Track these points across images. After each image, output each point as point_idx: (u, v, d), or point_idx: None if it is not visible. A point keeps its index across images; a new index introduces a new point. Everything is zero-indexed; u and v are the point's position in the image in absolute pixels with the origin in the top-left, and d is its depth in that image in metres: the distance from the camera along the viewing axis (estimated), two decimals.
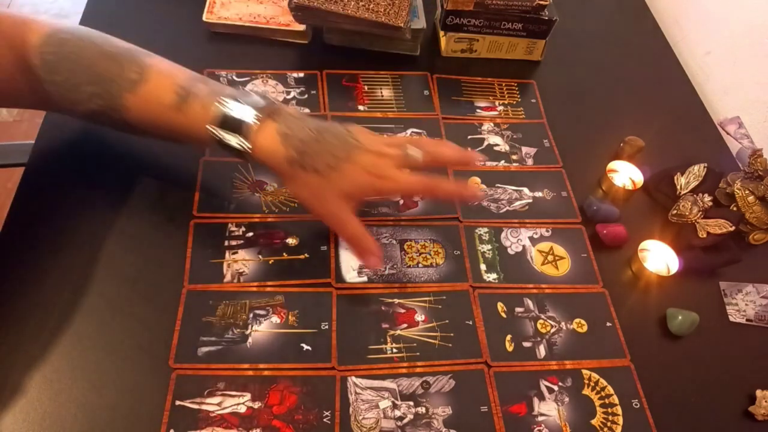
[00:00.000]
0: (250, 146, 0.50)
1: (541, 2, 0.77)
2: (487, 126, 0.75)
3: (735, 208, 0.68)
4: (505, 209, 0.67)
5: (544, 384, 0.54)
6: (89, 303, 0.54)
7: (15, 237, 0.57)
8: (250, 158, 0.51)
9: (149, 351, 0.52)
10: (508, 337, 0.57)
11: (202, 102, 0.51)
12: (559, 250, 0.64)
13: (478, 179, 0.69)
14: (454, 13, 0.78)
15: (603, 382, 0.55)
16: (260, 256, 0.59)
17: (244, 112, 0.50)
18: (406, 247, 0.62)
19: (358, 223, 0.53)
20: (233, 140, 0.50)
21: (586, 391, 0.55)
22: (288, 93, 0.74)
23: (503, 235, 0.65)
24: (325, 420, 0.50)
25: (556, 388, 0.54)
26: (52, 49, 0.52)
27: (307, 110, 0.72)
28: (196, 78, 0.54)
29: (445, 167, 0.57)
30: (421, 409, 0.52)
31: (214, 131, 0.50)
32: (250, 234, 0.60)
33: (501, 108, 0.78)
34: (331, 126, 0.53)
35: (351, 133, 0.52)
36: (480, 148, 0.72)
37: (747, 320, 0.63)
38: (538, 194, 0.69)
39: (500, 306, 0.59)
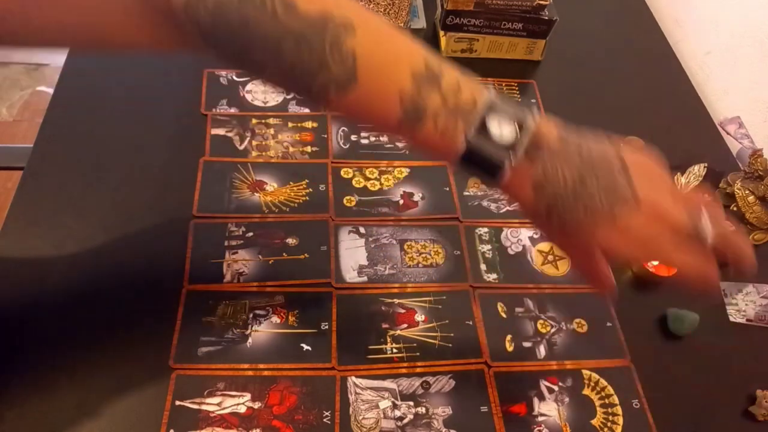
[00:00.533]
0: (500, 186, 0.40)
1: (541, 2, 0.77)
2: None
3: (735, 208, 0.68)
4: (505, 209, 0.67)
5: (544, 384, 0.54)
6: (89, 303, 0.54)
7: (15, 237, 0.57)
8: (497, 187, 0.41)
9: (149, 351, 0.52)
10: (508, 337, 0.57)
11: (439, 127, 0.39)
12: (559, 250, 0.64)
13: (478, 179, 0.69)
14: (454, 13, 0.78)
15: (603, 382, 0.55)
16: (260, 256, 0.59)
17: (496, 154, 0.38)
18: (406, 247, 0.62)
19: (601, 264, 0.43)
20: (485, 176, 0.40)
21: (586, 391, 0.55)
22: (288, 93, 0.74)
23: (503, 235, 0.65)
24: (325, 420, 0.50)
25: (556, 388, 0.54)
26: (206, 15, 0.37)
27: (307, 110, 0.72)
28: (422, 75, 0.39)
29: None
30: (421, 409, 0.52)
31: (461, 168, 0.40)
32: (250, 234, 0.60)
33: None
34: (601, 163, 0.39)
35: (627, 178, 0.39)
36: None
37: (747, 320, 0.63)
38: None
39: (500, 306, 0.59)
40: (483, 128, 0.38)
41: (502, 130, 0.38)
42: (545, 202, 0.39)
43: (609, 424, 0.53)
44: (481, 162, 0.39)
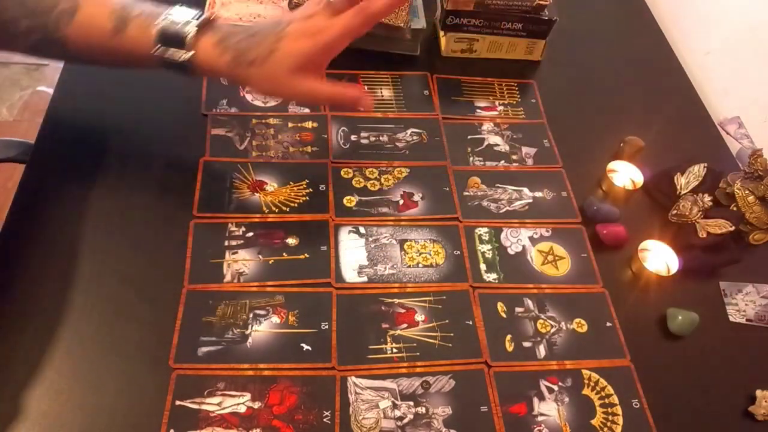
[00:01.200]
0: (191, 59, 0.52)
1: (541, 2, 0.77)
2: (487, 126, 0.75)
3: (735, 208, 0.68)
4: (505, 209, 0.67)
5: (544, 384, 0.54)
6: (89, 303, 0.54)
7: (15, 237, 0.57)
8: (193, 71, 0.53)
9: (149, 351, 0.52)
10: (508, 337, 0.57)
11: (140, 24, 0.52)
12: (559, 250, 0.64)
13: (478, 179, 0.69)
14: (454, 13, 0.78)
15: (603, 382, 0.55)
16: (260, 256, 0.59)
17: (182, 28, 0.52)
18: (406, 247, 0.62)
19: (327, 85, 0.54)
20: (176, 55, 0.52)
21: (586, 391, 0.55)
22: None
23: (503, 235, 0.65)
24: (325, 420, 0.50)
25: (556, 388, 0.54)
26: None
27: (307, 110, 0.72)
28: (127, 1, 0.54)
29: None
30: (421, 409, 0.52)
31: (158, 51, 0.52)
32: (250, 234, 0.60)
33: (501, 108, 0.78)
34: (265, 22, 0.55)
35: (282, 18, 0.54)
36: (480, 148, 0.72)
37: (747, 320, 0.63)
38: (538, 194, 0.69)
39: (500, 306, 0.59)
40: (170, 17, 0.52)
41: (185, 15, 0.52)
42: (230, 52, 0.51)
43: (609, 424, 0.53)
44: (171, 36, 0.51)
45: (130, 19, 0.53)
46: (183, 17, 0.52)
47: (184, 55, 0.52)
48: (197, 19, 0.53)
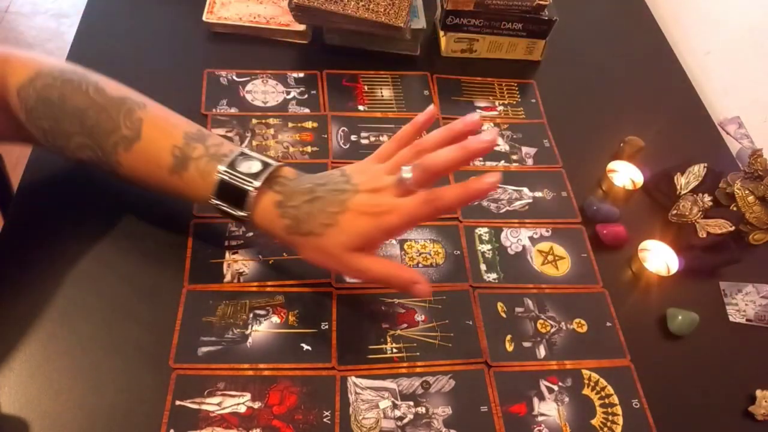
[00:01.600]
0: (249, 217, 0.49)
1: (541, 2, 0.77)
2: (487, 126, 0.75)
3: (735, 208, 0.68)
4: (505, 209, 0.67)
5: (544, 384, 0.54)
6: (89, 303, 0.54)
7: (15, 237, 0.57)
8: (251, 228, 0.51)
9: (149, 351, 0.52)
10: (508, 337, 0.57)
11: (200, 169, 0.50)
12: (559, 250, 0.64)
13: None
14: (454, 13, 0.78)
15: (603, 382, 0.55)
16: (260, 256, 0.59)
17: (243, 184, 0.48)
18: (406, 247, 0.62)
19: (381, 264, 0.49)
20: (233, 212, 0.49)
21: (586, 391, 0.55)
22: (288, 93, 0.74)
23: (503, 235, 0.65)
24: (325, 420, 0.50)
25: (556, 388, 0.54)
26: (34, 95, 0.50)
27: (307, 110, 0.72)
28: (192, 135, 0.51)
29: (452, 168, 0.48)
30: (421, 409, 0.52)
31: (214, 202, 0.50)
32: (250, 234, 0.60)
33: (501, 108, 0.78)
34: (327, 177, 0.50)
35: (346, 177, 0.49)
36: None
37: (747, 320, 0.63)
38: (538, 194, 0.69)
39: (500, 306, 0.59)
40: (234, 167, 0.49)
41: (250, 166, 0.49)
42: (289, 217, 0.48)
43: (609, 424, 0.53)
44: (231, 190, 0.48)
45: (191, 160, 0.50)
46: (247, 169, 0.49)
47: (241, 213, 0.49)
48: (262, 173, 0.48)
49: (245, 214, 0.49)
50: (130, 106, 0.51)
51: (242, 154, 0.50)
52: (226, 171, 0.48)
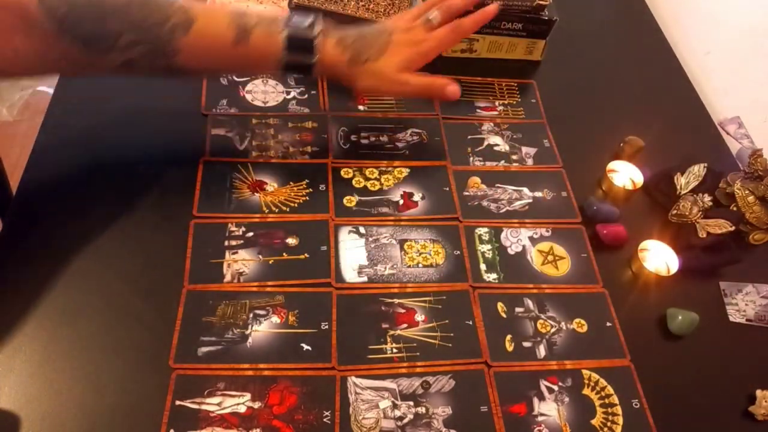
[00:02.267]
0: (319, 60, 0.57)
1: (541, 2, 0.77)
2: (487, 126, 0.75)
3: (735, 208, 0.68)
4: (505, 209, 0.67)
5: (544, 384, 0.54)
6: (89, 303, 0.54)
7: (15, 237, 0.57)
8: (316, 71, 0.58)
9: (149, 351, 0.52)
10: (508, 337, 0.57)
11: (263, 32, 0.55)
12: (559, 250, 0.64)
13: (478, 179, 0.69)
14: None
15: (603, 382, 0.55)
16: (260, 256, 0.59)
17: (308, 32, 0.56)
18: (406, 247, 0.62)
19: (422, 78, 0.63)
20: (306, 60, 0.57)
21: (586, 391, 0.55)
22: (288, 93, 0.74)
23: (503, 235, 0.65)
24: (325, 420, 0.50)
25: (556, 388, 0.54)
26: (60, 1, 0.48)
27: (307, 110, 0.72)
28: (238, 11, 0.56)
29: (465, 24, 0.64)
30: (421, 409, 0.52)
31: (287, 58, 0.56)
32: (250, 234, 0.60)
33: (501, 108, 0.78)
34: (366, 27, 0.61)
35: (383, 26, 0.62)
36: (480, 148, 0.72)
37: (747, 320, 0.63)
38: (538, 194, 0.69)
39: (500, 306, 0.59)
40: (291, 23, 0.56)
41: (302, 21, 0.56)
42: (350, 50, 0.58)
43: (609, 424, 0.53)
44: (299, 42, 0.56)
45: (251, 28, 0.54)
46: (304, 22, 0.56)
47: (312, 59, 0.57)
48: (316, 22, 0.56)
49: (315, 60, 0.57)
50: None
51: (292, 12, 0.59)
52: (287, 26, 0.55)
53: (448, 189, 0.67)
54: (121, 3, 0.50)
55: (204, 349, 0.52)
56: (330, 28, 0.58)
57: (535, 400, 0.53)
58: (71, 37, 0.49)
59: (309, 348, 0.54)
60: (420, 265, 0.61)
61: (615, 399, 0.54)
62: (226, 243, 0.59)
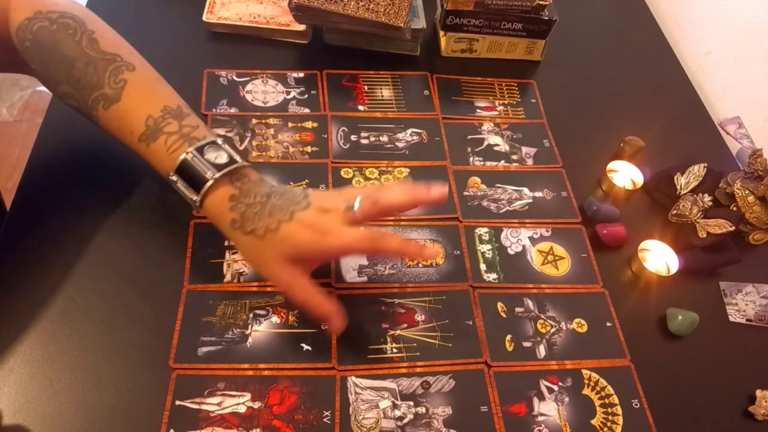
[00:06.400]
0: (199, 202, 0.49)
1: (541, 2, 0.77)
2: (487, 126, 0.75)
3: (735, 208, 0.68)
4: (505, 209, 0.67)
5: (544, 384, 0.54)
6: (89, 303, 0.54)
7: (15, 237, 0.57)
8: (198, 211, 0.51)
9: (149, 351, 0.52)
10: (508, 337, 0.57)
11: (168, 144, 0.50)
12: (559, 250, 0.64)
13: (478, 179, 0.69)
14: (454, 13, 0.78)
15: (603, 382, 0.55)
16: None
17: (205, 170, 0.49)
18: None
19: (307, 287, 0.49)
20: (185, 192, 0.50)
21: (586, 391, 0.55)
22: (288, 93, 0.74)
23: (503, 235, 0.65)
24: (325, 420, 0.50)
25: (556, 388, 0.54)
26: (29, 36, 0.51)
27: (307, 110, 0.72)
28: (171, 111, 0.51)
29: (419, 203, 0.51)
30: (421, 409, 0.52)
31: (172, 178, 0.50)
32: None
33: (501, 108, 0.78)
34: (289, 190, 0.51)
35: (305, 194, 0.50)
36: (480, 148, 0.72)
37: (747, 320, 0.63)
38: (538, 194, 0.69)
39: (500, 306, 0.59)
40: (201, 153, 0.49)
41: (216, 157, 0.49)
42: (238, 212, 0.49)
43: (609, 424, 0.53)
44: (191, 172, 0.49)
45: (161, 133, 0.50)
46: (213, 158, 0.49)
47: (194, 197, 0.49)
48: (226, 166, 0.49)
49: (197, 199, 0.49)
50: (119, 65, 0.51)
51: (214, 143, 0.50)
52: (192, 153, 0.49)
53: (448, 189, 0.67)
54: (71, 55, 0.51)
55: (204, 349, 0.52)
56: (243, 176, 0.50)
57: (535, 400, 0.53)
58: (28, 68, 0.54)
59: (309, 348, 0.54)
60: (420, 265, 0.61)
61: (615, 399, 0.54)
62: (226, 243, 0.59)
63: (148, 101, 0.51)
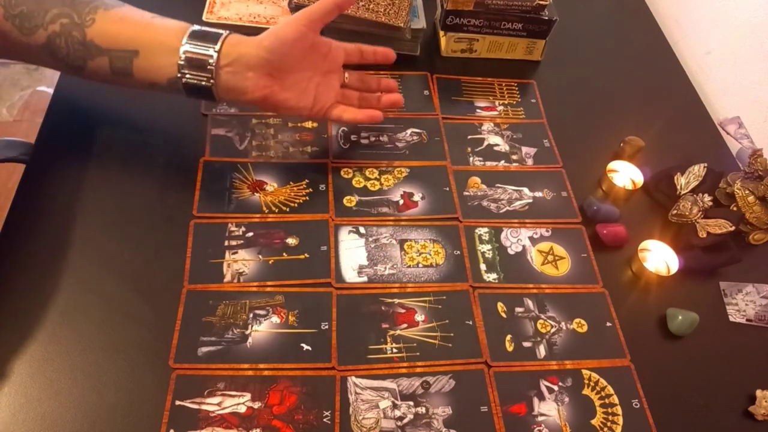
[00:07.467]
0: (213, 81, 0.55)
1: (541, 2, 0.77)
2: (487, 126, 0.75)
3: (735, 208, 0.68)
4: (505, 209, 0.67)
5: (544, 384, 0.54)
6: (89, 303, 0.54)
7: (15, 237, 0.57)
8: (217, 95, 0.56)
9: (149, 351, 0.52)
10: (508, 337, 0.57)
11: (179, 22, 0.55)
12: (559, 250, 0.64)
13: (478, 179, 0.69)
14: (454, 13, 0.78)
15: (603, 382, 0.55)
16: (260, 256, 0.59)
17: (206, 47, 0.54)
18: (406, 247, 0.62)
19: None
20: (205, 52, 0.54)
21: (586, 391, 0.55)
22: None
23: (503, 235, 0.65)
24: (325, 420, 0.50)
25: (556, 388, 0.54)
26: None
27: None
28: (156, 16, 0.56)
29: None
30: (421, 409, 0.52)
31: (185, 49, 0.54)
32: (250, 234, 0.60)
33: (501, 108, 0.78)
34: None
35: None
36: (480, 148, 0.72)
37: (747, 320, 0.63)
38: (538, 194, 0.69)
39: (500, 306, 0.59)
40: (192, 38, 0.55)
41: (206, 38, 0.54)
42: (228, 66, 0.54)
43: (609, 424, 0.53)
44: (202, 35, 0.54)
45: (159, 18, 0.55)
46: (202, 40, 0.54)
47: (212, 51, 0.54)
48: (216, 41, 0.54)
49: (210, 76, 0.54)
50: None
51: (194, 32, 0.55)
52: (187, 42, 0.54)
53: (448, 189, 0.67)
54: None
55: (204, 349, 0.52)
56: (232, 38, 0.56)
57: (535, 400, 0.53)
58: (9, 15, 0.53)
59: (309, 348, 0.54)
60: (420, 265, 0.61)
61: (615, 399, 0.54)
62: (226, 243, 0.59)
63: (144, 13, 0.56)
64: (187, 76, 0.54)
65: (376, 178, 0.67)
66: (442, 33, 0.82)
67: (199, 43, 0.54)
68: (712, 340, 0.61)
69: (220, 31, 0.55)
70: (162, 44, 0.54)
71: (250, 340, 0.53)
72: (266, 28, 0.78)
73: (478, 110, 0.77)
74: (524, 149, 0.73)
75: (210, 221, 0.60)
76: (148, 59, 0.54)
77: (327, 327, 0.55)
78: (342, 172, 0.67)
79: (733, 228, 0.66)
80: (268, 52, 0.55)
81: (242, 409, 0.49)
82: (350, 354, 0.54)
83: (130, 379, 0.50)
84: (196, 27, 0.55)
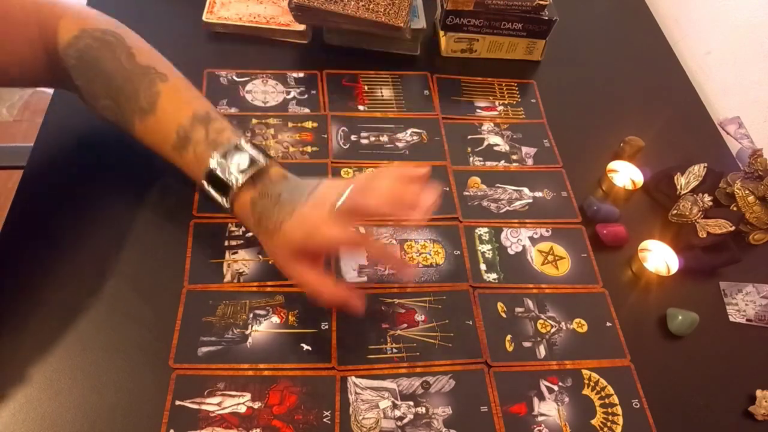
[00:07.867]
0: (229, 207, 0.51)
1: (541, 2, 0.77)
2: (487, 126, 0.75)
3: (735, 208, 0.68)
4: (505, 209, 0.67)
5: (544, 384, 0.54)
6: (89, 303, 0.54)
7: (15, 237, 0.57)
8: (234, 214, 0.52)
9: (149, 351, 0.52)
10: (508, 337, 0.57)
11: (197, 153, 0.51)
12: (559, 250, 0.64)
13: (478, 179, 0.69)
14: (454, 13, 0.78)
15: (603, 382, 0.55)
16: (260, 256, 0.59)
17: (230, 175, 0.50)
18: (406, 247, 0.62)
19: (316, 279, 0.49)
20: (217, 198, 0.51)
21: (586, 391, 0.55)
22: (288, 93, 0.74)
23: (503, 235, 0.65)
24: (325, 420, 0.50)
25: (556, 388, 0.54)
26: (76, 54, 0.53)
27: (307, 110, 0.72)
28: (199, 116, 0.52)
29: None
30: (421, 409, 0.52)
31: (206, 188, 0.51)
32: (250, 234, 0.60)
33: (501, 108, 0.78)
34: (299, 185, 0.51)
35: (313, 188, 0.49)
36: (480, 148, 0.72)
37: (747, 320, 0.63)
38: (538, 194, 0.69)
39: (500, 306, 0.59)
40: (225, 158, 0.50)
41: (240, 161, 0.50)
42: (257, 213, 0.50)
43: (609, 424, 0.53)
44: (218, 180, 0.50)
45: (191, 142, 0.51)
46: (235, 163, 0.50)
47: (225, 205, 0.51)
48: (247, 170, 0.50)
49: (227, 207, 0.51)
50: (153, 77, 0.53)
51: (237, 146, 0.51)
52: (217, 160, 0.50)
53: (448, 189, 0.67)
54: (111, 71, 0.53)
55: (204, 349, 0.52)
56: (267, 174, 0.50)
57: (535, 400, 0.53)
58: (73, 85, 0.55)
59: (309, 348, 0.54)
60: (420, 265, 0.61)
61: (615, 399, 0.54)
62: (226, 243, 0.59)
63: (178, 111, 0.53)
64: (211, 191, 0.51)
65: None
66: (442, 33, 0.82)
67: (217, 194, 0.51)
68: (712, 340, 0.61)
69: (236, 182, 0.50)
70: (190, 176, 0.53)
71: (250, 340, 0.53)
72: (266, 28, 0.78)
73: (478, 110, 0.77)
74: (524, 149, 0.73)
75: (210, 221, 0.60)
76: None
77: (327, 327, 0.55)
78: (342, 172, 0.67)
79: (733, 228, 0.66)
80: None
81: (242, 409, 0.49)
82: (350, 354, 0.54)
83: (130, 379, 0.50)
84: (216, 168, 0.50)
